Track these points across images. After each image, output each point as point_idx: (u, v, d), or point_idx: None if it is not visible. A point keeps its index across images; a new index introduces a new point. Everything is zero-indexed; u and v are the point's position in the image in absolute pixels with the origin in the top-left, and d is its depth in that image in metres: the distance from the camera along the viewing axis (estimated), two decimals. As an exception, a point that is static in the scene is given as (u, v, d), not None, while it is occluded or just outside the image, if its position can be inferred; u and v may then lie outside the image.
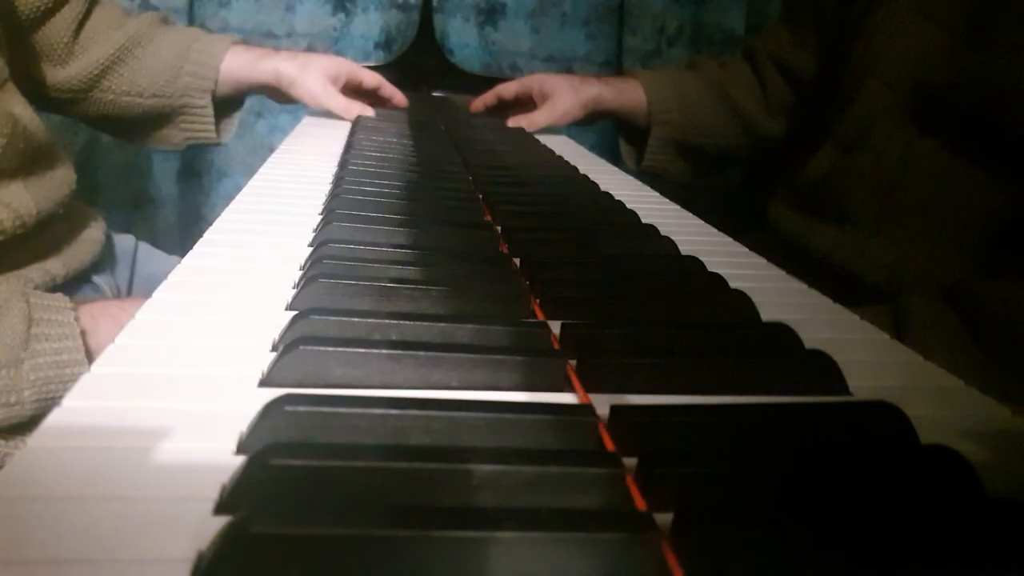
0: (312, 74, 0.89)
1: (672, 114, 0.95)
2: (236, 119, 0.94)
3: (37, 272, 0.61)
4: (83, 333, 0.47)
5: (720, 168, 1.04)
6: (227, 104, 0.91)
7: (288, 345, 0.29)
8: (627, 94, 0.96)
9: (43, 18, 0.71)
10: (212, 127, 0.88)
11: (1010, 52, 0.63)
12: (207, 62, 0.84)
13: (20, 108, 0.61)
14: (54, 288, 0.61)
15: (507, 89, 1.02)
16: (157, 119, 0.86)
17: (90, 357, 0.46)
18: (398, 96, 1.01)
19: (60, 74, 0.76)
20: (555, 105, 0.96)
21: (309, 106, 0.92)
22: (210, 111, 0.86)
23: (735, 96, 0.95)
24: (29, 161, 0.61)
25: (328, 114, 0.92)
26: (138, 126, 0.87)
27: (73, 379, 0.44)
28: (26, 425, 0.44)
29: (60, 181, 0.65)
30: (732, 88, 0.95)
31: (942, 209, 0.68)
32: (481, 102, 1.05)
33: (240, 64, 0.86)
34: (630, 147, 1.02)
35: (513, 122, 0.99)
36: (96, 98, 0.80)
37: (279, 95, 0.91)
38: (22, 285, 0.54)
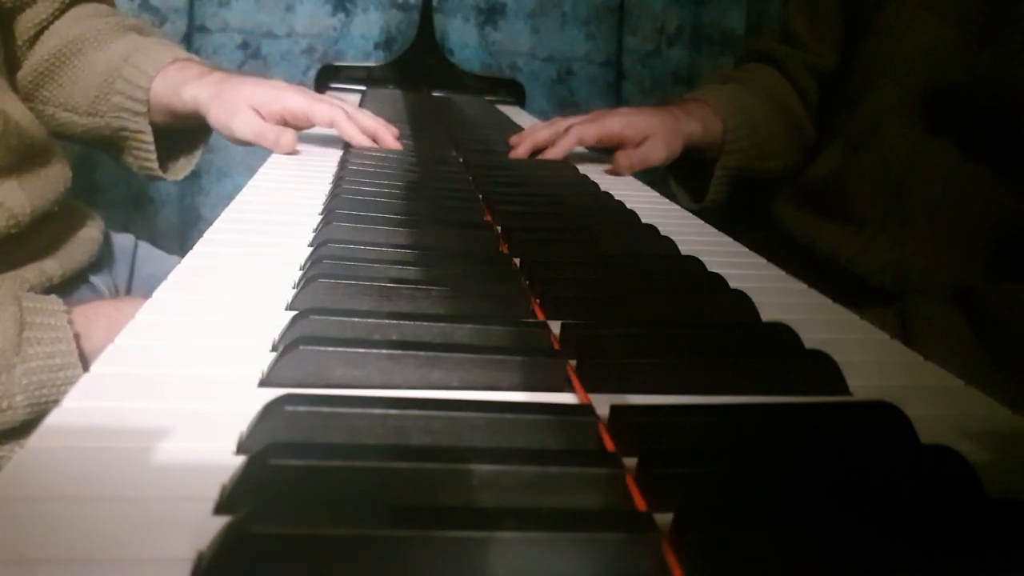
0: (221, 104, 0.69)
1: (743, 141, 0.81)
2: (197, 156, 0.80)
3: (33, 272, 0.60)
4: (77, 336, 0.46)
5: (754, 192, 0.90)
6: (196, 135, 0.78)
7: (288, 345, 0.29)
8: (709, 126, 0.80)
9: (16, 11, 0.66)
10: (152, 157, 0.74)
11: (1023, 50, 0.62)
12: (137, 81, 0.70)
13: (12, 104, 0.60)
14: (50, 289, 0.61)
15: (587, 135, 0.77)
16: (105, 141, 0.74)
17: (84, 360, 0.46)
18: (382, 135, 0.76)
19: (16, 77, 0.68)
20: (657, 146, 0.76)
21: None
22: (148, 138, 0.72)
23: (792, 106, 0.85)
24: (23, 158, 0.60)
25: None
26: (98, 146, 0.76)
27: (66, 383, 0.44)
28: (19, 430, 0.44)
29: (55, 178, 0.63)
30: (787, 99, 0.85)
31: (950, 210, 0.67)
32: (525, 150, 0.79)
33: (165, 88, 0.71)
34: (678, 182, 0.88)
35: (624, 160, 0.76)
36: (39, 110, 0.70)
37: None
38: (15, 287, 0.54)
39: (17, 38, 0.67)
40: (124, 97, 0.71)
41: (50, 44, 0.69)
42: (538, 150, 0.79)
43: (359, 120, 0.75)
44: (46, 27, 0.69)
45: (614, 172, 0.76)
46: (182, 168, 0.79)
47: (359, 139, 0.74)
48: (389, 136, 0.76)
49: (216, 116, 0.70)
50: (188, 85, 0.70)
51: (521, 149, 0.79)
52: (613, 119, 0.77)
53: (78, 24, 0.71)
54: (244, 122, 0.70)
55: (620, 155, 0.76)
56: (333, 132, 0.77)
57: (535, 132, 0.80)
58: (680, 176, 0.88)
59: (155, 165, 0.74)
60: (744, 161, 0.82)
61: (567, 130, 0.77)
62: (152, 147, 0.73)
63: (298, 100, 0.72)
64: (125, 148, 0.74)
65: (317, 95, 0.75)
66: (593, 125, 0.77)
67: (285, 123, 0.72)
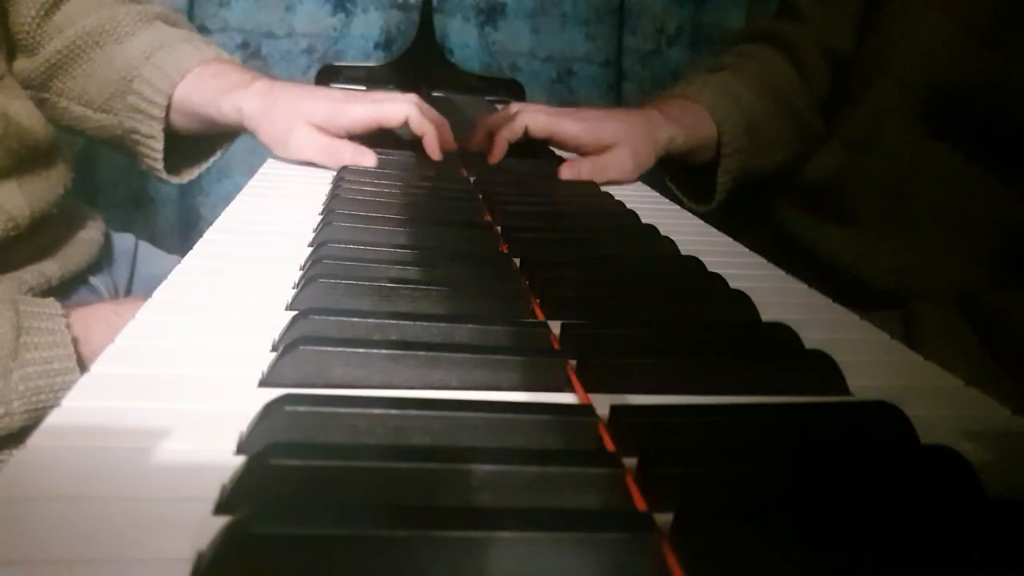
0: (273, 119, 0.64)
1: (740, 140, 0.75)
2: (211, 162, 0.76)
3: (32, 274, 0.59)
4: (75, 340, 0.46)
5: (754, 191, 0.85)
6: (213, 140, 0.74)
7: (288, 345, 0.29)
8: (696, 130, 0.74)
9: None
10: (159, 161, 0.69)
11: None
12: (158, 84, 0.65)
13: (16, 105, 0.59)
14: (49, 290, 0.60)
15: (535, 124, 0.68)
16: (116, 140, 0.70)
17: (82, 365, 0.45)
18: (444, 133, 0.70)
19: (20, 67, 0.64)
20: (623, 157, 0.69)
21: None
22: (158, 144, 0.68)
23: (794, 99, 0.79)
24: (24, 160, 0.59)
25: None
26: (110, 144, 0.72)
27: (64, 388, 0.43)
28: (16, 436, 0.43)
29: (55, 180, 0.62)
30: (789, 89, 0.80)
31: (953, 214, 0.66)
32: (499, 153, 0.69)
33: (202, 95, 0.66)
34: (678, 187, 0.83)
35: (568, 171, 0.68)
36: (52, 102, 0.67)
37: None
38: (12, 291, 0.53)
39: (21, 18, 0.63)
40: (140, 99, 0.66)
41: (67, 33, 0.65)
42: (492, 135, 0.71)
43: (429, 114, 0.69)
44: (56, 7, 0.65)
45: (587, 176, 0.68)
46: (188, 173, 0.75)
47: (432, 137, 0.67)
48: (448, 137, 0.71)
49: (268, 134, 0.65)
50: (230, 95, 0.65)
51: (476, 138, 0.74)
52: (570, 122, 0.68)
53: (97, 12, 0.67)
54: (304, 139, 0.64)
55: (567, 165, 0.68)
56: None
57: (488, 120, 0.74)
58: (676, 179, 0.83)
59: (163, 172, 0.71)
60: (744, 161, 0.77)
61: (515, 114, 0.69)
62: (160, 152, 0.68)
63: (363, 111, 0.65)
64: (136, 150, 0.71)
65: (379, 95, 0.68)
66: (544, 117, 0.68)
67: (349, 137, 0.66)
